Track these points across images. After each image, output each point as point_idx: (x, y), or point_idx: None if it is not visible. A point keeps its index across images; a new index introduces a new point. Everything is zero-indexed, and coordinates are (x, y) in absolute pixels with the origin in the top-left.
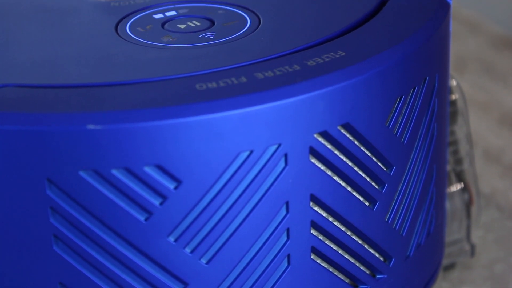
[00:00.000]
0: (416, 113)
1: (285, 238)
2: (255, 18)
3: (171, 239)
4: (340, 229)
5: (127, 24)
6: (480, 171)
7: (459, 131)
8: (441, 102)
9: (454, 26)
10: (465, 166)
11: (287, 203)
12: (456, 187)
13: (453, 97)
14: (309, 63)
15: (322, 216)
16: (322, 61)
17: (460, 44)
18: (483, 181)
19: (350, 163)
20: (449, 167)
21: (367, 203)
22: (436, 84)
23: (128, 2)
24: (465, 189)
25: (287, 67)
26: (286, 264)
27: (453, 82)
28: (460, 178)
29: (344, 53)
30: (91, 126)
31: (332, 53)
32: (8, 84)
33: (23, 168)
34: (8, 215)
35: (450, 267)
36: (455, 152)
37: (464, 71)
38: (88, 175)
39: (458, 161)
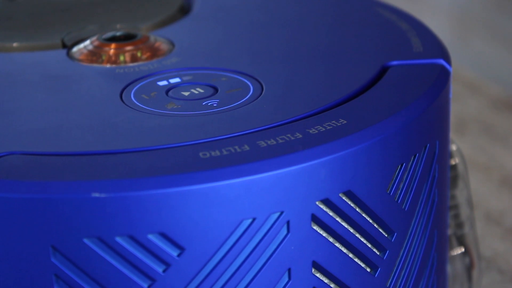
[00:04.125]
0: (417, 180)
1: None
2: (257, 86)
3: None
4: None
5: (131, 91)
6: (481, 234)
7: (460, 195)
8: (442, 168)
9: (454, 88)
10: (466, 230)
11: (289, 270)
12: (457, 251)
13: (453, 161)
14: (311, 131)
15: (324, 282)
16: (324, 129)
17: (460, 106)
18: (484, 244)
19: (351, 230)
20: (450, 231)
21: (368, 269)
22: (437, 150)
23: (133, 69)
24: (466, 253)
25: (289, 135)
26: None
27: (453, 147)
28: (461, 242)
29: (345, 121)
30: (95, 194)
31: (333, 121)
32: (13, 152)
33: (28, 235)
34: (13, 281)
35: None
36: (456, 216)
37: (464, 132)
38: (92, 243)
39: (459, 225)
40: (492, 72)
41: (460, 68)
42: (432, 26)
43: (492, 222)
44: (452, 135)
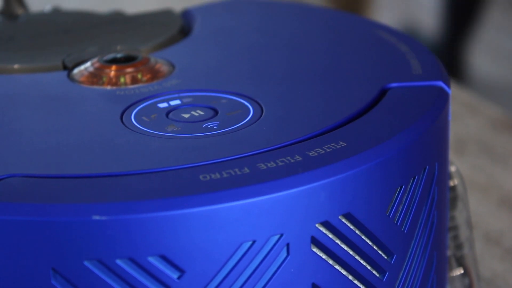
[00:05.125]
0: (416, 202)
1: None
2: (257, 108)
3: None
4: None
5: (132, 113)
6: (480, 254)
7: (459, 216)
8: (441, 189)
9: (453, 108)
10: (465, 251)
11: None
12: (456, 272)
13: (453, 183)
14: (311, 153)
15: None
16: (323, 151)
17: (460, 126)
18: (483, 265)
19: (351, 252)
20: (449, 252)
21: None
22: (436, 172)
23: (133, 91)
24: (465, 274)
25: (289, 157)
26: None
27: (452, 168)
28: (460, 263)
29: (345, 144)
30: (96, 217)
31: (333, 144)
32: (14, 174)
33: (29, 257)
34: None
35: None
36: (455, 238)
37: (464, 152)
38: (93, 265)
39: (458, 246)
40: (491, 92)
41: (459, 89)
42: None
43: (491, 243)
44: (451, 155)
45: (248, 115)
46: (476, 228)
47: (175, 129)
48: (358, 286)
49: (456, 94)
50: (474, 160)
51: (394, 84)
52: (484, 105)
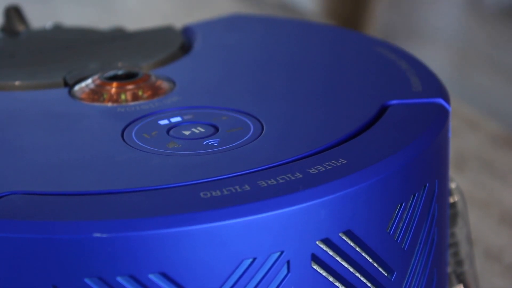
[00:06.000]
0: (416, 219)
1: None
2: (258, 125)
3: None
4: None
5: (133, 130)
6: (481, 270)
7: (459, 232)
8: (441, 207)
9: (453, 123)
10: (466, 267)
11: None
12: None
13: (453, 199)
14: (311, 171)
15: None
16: (323, 169)
17: (460, 142)
18: (483, 281)
19: (351, 269)
20: (449, 269)
21: None
22: (436, 190)
23: (134, 108)
24: None
25: (289, 175)
26: None
27: (453, 185)
28: (461, 279)
29: (345, 161)
30: (97, 234)
31: (333, 161)
32: (15, 192)
33: (29, 274)
34: None
35: None
36: (456, 254)
37: (464, 168)
38: (93, 283)
39: (459, 263)
40: (492, 107)
41: (460, 103)
42: (432, 60)
43: (492, 259)
44: (451, 171)
45: (249, 132)
46: (476, 244)
47: (175, 146)
48: None
49: (457, 110)
50: (474, 177)
51: (394, 101)
52: (484, 121)
